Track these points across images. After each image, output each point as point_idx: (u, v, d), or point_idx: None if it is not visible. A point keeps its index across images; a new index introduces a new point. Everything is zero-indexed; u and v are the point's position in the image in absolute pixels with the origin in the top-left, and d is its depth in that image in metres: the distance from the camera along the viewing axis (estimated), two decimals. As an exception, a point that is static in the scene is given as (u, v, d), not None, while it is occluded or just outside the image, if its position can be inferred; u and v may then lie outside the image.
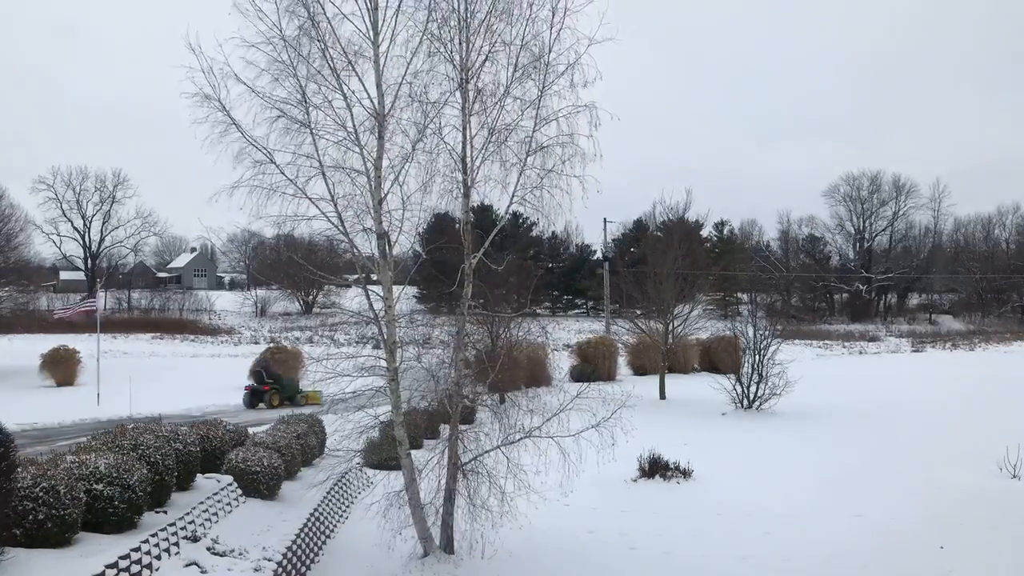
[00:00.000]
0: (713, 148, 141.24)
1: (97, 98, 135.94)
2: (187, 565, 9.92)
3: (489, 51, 12.00)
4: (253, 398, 29.04)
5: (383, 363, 12.22)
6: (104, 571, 8.60)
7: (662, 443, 18.78)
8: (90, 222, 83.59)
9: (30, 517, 8.79)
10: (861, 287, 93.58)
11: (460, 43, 11.98)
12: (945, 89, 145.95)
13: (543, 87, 12.04)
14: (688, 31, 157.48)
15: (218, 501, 12.30)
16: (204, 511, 11.65)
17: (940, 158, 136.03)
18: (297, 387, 29.91)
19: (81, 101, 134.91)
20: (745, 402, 28.86)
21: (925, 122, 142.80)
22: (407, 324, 13.47)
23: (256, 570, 10.31)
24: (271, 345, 44.59)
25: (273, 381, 29.47)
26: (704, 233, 78.63)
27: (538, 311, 58.97)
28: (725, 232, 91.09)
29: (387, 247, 12.13)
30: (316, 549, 12.85)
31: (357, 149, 11.87)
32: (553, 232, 57.07)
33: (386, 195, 12.02)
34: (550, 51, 11.90)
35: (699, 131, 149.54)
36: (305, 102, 11.69)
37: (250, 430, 16.72)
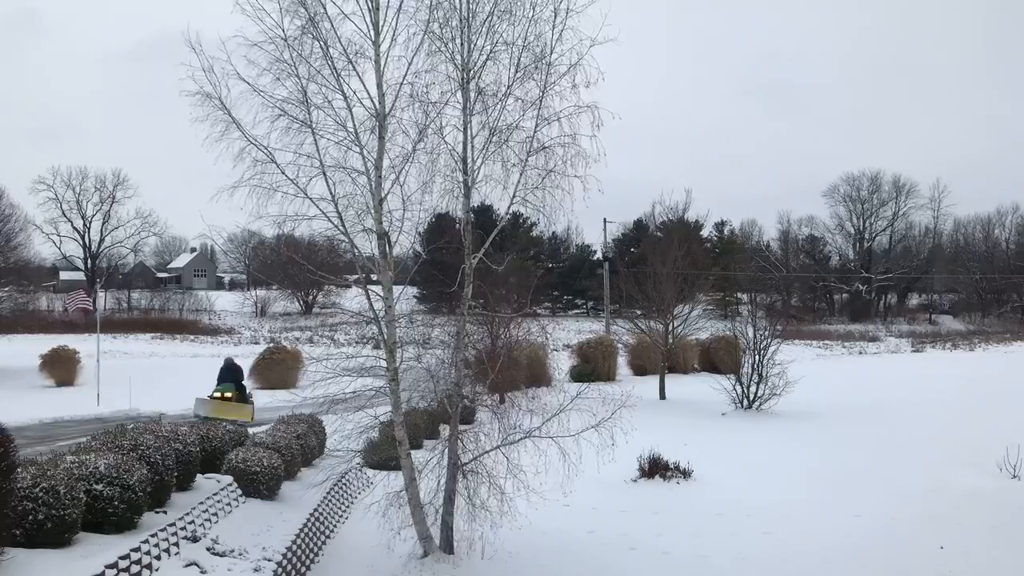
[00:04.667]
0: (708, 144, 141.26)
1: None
2: (187, 565, 9.91)
3: (491, 51, 11.99)
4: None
5: (383, 363, 12.21)
6: (104, 571, 8.60)
7: (662, 443, 18.78)
8: (90, 222, 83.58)
9: (30, 517, 8.78)
10: (861, 287, 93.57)
11: (462, 43, 11.97)
12: (945, 88, 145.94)
13: (544, 87, 12.03)
14: (685, 29, 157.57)
15: (218, 501, 12.29)
16: (204, 511, 11.64)
17: (940, 158, 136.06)
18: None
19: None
20: (745, 402, 28.85)
21: (924, 122, 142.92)
22: (407, 324, 13.46)
23: (256, 570, 10.31)
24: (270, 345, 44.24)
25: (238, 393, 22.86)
26: (704, 233, 78.70)
27: (538, 311, 58.93)
28: (725, 232, 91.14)
29: (387, 247, 12.12)
30: (316, 549, 12.85)
31: (358, 149, 11.87)
32: (553, 232, 57.21)
33: (387, 195, 12.01)
34: (552, 51, 11.89)
35: (696, 129, 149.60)
36: (306, 102, 11.68)
37: (250, 430, 16.72)
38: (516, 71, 12.05)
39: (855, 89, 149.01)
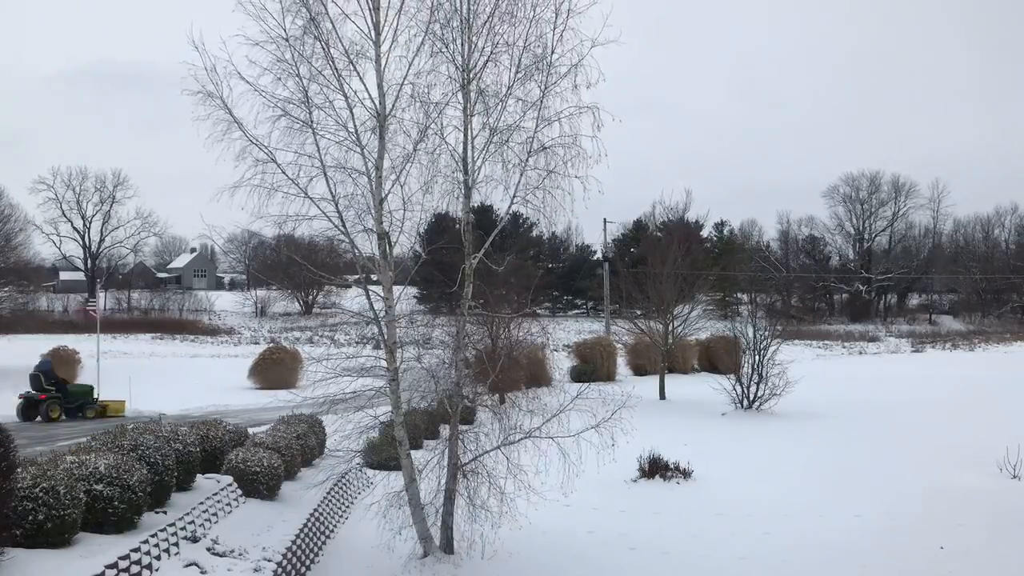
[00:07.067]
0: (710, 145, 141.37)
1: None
2: (187, 565, 9.92)
3: (491, 52, 12.00)
4: (28, 409, 24.01)
5: (383, 363, 12.21)
6: (104, 571, 8.60)
7: (662, 443, 18.77)
8: (90, 222, 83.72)
9: (30, 517, 8.78)
10: (861, 287, 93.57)
11: (462, 44, 11.99)
12: (944, 88, 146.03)
13: (545, 88, 12.05)
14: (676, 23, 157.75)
15: (218, 501, 12.29)
16: (204, 511, 11.64)
17: (940, 158, 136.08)
18: (90, 394, 25.11)
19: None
20: (745, 402, 28.85)
21: (924, 122, 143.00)
22: (407, 324, 13.47)
23: (256, 570, 10.31)
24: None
25: (54, 388, 24.51)
26: (704, 233, 78.64)
27: (538, 311, 58.90)
28: (725, 232, 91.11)
29: (388, 247, 12.13)
30: (316, 549, 12.85)
31: (358, 149, 11.88)
32: (553, 232, 56.93)
33: (387, 195, 12.02)
34: (552, 52, 11.92)
35: (692, 128, 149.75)
36: (307, 102, 11.69)
37: (250, 430, 16.72)
38: (517, 72, 12.08)
39: (855, 89, 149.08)
